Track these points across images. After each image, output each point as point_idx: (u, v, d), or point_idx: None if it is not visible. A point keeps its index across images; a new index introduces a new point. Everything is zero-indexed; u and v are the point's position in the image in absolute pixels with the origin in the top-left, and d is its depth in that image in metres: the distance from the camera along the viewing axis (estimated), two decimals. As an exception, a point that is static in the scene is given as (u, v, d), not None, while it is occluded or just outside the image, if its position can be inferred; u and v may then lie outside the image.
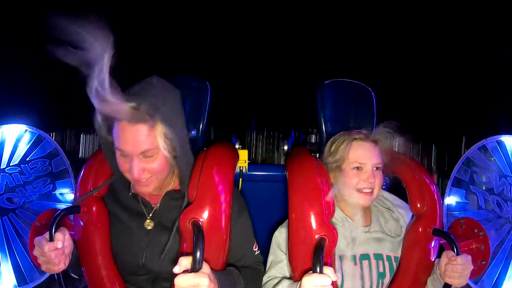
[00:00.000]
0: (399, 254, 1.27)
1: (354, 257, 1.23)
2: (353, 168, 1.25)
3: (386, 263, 1.25)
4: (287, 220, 1.24)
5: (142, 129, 1.04)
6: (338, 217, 1.27)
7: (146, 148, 1.05)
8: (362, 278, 1.22)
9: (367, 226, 1.29)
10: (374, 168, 1.25)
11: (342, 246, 1.22)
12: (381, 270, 1.24)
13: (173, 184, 1.22)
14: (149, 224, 1.18)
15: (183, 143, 1.12)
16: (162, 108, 1.06)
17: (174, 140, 1.09)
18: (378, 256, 1.25)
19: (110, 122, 1.07)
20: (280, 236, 1.27)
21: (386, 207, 1.35)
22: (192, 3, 3.62)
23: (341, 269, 1.21)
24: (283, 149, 1.76)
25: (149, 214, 1.19)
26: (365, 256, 1.24)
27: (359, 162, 1.24)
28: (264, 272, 1.27)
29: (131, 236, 1.18)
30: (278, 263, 1.24)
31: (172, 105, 1.11)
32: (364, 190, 1.23)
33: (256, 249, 1.26)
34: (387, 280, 1.24)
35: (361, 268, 1.23)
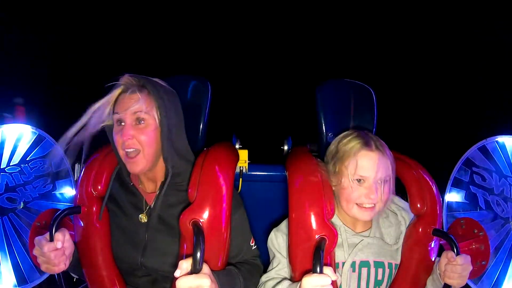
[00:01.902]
0: (398, 261, 1.24)
1: (353, 263, 1.20)
2: (354, 180, 1.15)
3: (387, 271, 1.21)
4: (283, 222, 1.24)
5: (139, 96, 1.11)
6: (336, 224, 1.20)
7: (139, 108, 1.10)
8: (359, 285, 1.21)
9: (367, 229, 1.25)
10: (379, 182, 1.15)
11: (340, 255, 1.19)
12: (379, 277, 1.21)
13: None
14: (143, 218, 1.19)
15: (173, 137, 1.15)
16: (162, 93, 1.14)
17: (165, 128, 1.13)
18: (379, 264, 1.21)
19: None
20: (276, 239, 1.25)
21: (391, 210, 1.28)
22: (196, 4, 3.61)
23: (339, 276, 1.17)
24: (283, 149, 1.76)
25: (146, 208, 1.20)
26: (365, 263, 1.21)
27: (360, 175, 1.15)
28: (261, 266, 1.26)
29: (129, 231, 1.19)
30: (277, 264, 1.23)
31: (171, 98, 1.18)
32: (364, 205, 1.16)
33: (253, 244, 1.26)
34: (383, 287, 1.22)
35: (359, 275, 1.20)
